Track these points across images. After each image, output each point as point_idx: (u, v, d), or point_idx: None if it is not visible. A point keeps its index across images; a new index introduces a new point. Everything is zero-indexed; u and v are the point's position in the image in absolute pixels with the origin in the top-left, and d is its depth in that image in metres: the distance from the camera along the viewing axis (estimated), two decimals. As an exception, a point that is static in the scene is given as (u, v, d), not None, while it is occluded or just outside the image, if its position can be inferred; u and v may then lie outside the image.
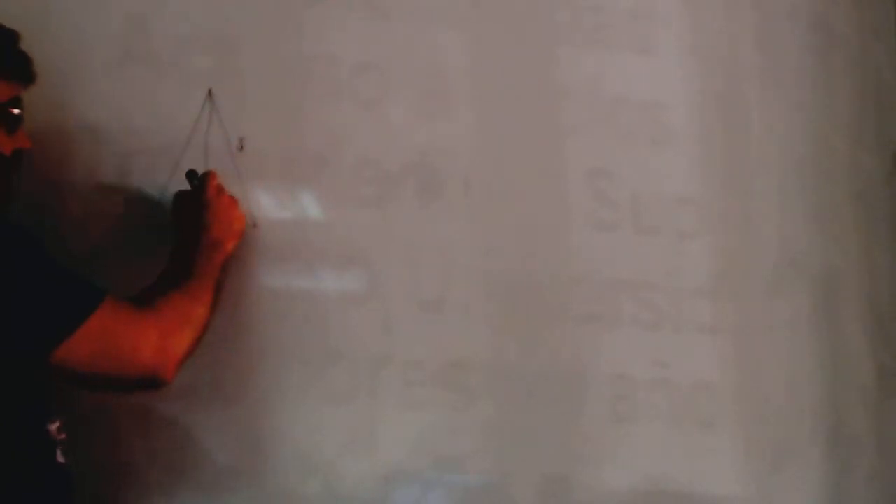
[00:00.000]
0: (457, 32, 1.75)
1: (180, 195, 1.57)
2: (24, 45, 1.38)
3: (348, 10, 1.71)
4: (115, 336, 1.32)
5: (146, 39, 1.62)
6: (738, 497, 1.75)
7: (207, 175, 1.56)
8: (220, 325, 1.52)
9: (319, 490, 1.59)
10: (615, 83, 1.80)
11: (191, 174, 1.56)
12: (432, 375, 1.65)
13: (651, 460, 1.71)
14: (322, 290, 1.62)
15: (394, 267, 1.66)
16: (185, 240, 1.52)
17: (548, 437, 1.68)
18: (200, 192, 1.54)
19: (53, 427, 1.35)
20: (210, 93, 1.63)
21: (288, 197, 1.66)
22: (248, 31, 1.67)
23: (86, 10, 1.49)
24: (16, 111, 1.38)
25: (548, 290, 1.72)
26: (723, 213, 1.82)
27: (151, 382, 1.36)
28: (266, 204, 1.64)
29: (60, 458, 1.35)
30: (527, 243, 1.73)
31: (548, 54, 1.79)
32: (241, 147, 1.64)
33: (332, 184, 1.66)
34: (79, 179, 1.58)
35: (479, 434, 1.67)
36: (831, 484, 1.79)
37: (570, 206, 1.76)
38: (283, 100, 1.66)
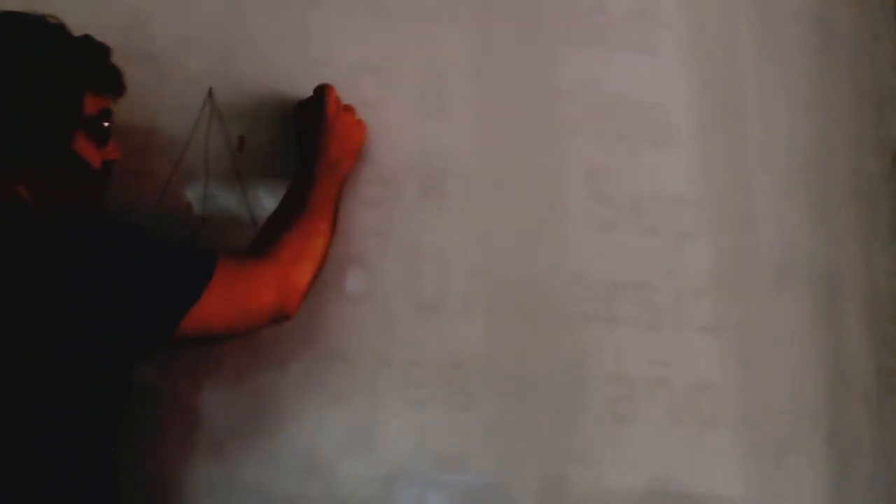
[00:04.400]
0: (457, 32, 1.76)
1: (300, 107, 1.62)
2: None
3: (348, 10, 1.72)
4: (235, 291, 1.36)
5: (146, 39, 1.63)
6: (739, 496, 1.74)
7: (325, 89, 1.60)
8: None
9: (319, 490, 1.59)
10: (615, 83, 1.81)
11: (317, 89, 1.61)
12: (432, 375, 1.65)
13: (651, 460, 1.71)
14: (322, 290, 1.62)
15: (394, 267, 1.66)
16: (305, 156, 1.57)
17: (548, 437, 1.68)
18: (320, 107, 1.59)
19: (117, 451, 1.35)
20: (210, 93, 1.63)
21: (288, 197, 1.65)
22: (248, 31, 1.67)
23: (86, 10, 1.49)
24: (106, 124, 1.40)
25: (548, 290, 1.72)
26: (723, 213, 1.82)
27: (278, 318, 1.43)
28: (266, 204, 1.64)
29: (119, 480, 1.35)
30: (527, 243, 1.73)
31: (548, 54, 1.79)
32: (241, 147, 1.64)
33: (331, 184, 1.66)
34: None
35: (479, 434, 1.66)
36: (831, 483, 1.79)
37: (570, 205, 1.76)
38: (283, 100, 1.66)
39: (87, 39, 1.38)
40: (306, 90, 1.66)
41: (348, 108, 1.63)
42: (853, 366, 1.85)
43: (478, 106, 1.75)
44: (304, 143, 1.58)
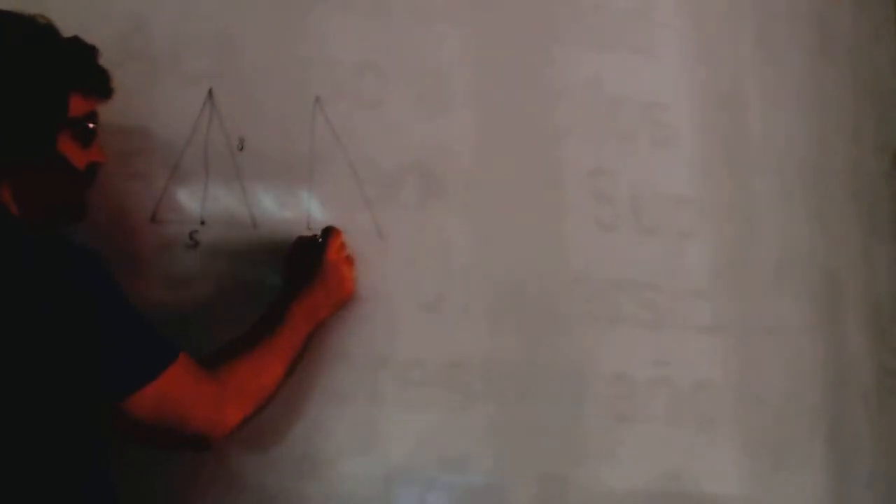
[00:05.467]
0: (456, 32, 1.76)
1: (301, 241, 1.59)
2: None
3: (348, 9, 1.71)
4: (175, 397, 1.31)
5: (146, 39, 1.62)
6: (738, 496, 1.75)
7: (331, 232, 1.57)
8: (220, 326, 1.52)
9: (319, 490, 1.60)
10: (615, 83, 1.81)
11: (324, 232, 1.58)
12: (432, 375, 1.65)
13: (651, 460, 1.71)
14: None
15: (394, 267, 1.66)
16: (288, 290, 1.53)
17: (548, 437, 1.68)
18: (321, 249, 1.56)
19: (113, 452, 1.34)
20: (210, 93, 1.63)
21: (288, 197, 1.66)
22: (248, 31, 1.67)
23: (86, 10, 1.49)
24: (91, 126, 1.39)
25: (548, 290, 1.72)
26: (723, 213, 1.82)
27: (198, 446, 1.38)
28: (266, 204, 1.64)
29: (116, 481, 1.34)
30: (527, 243, 1.73)
31: (548, 54, 1.79)
32: (241, 147, 1.64)
33: (332, 184, 1.66)
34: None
35: (479, 434, 1.67)
36: (831, 484, 1.80)
37: (570, 205, 1.76)
38: (283, 100, 1.66)
39: (74, 40, 1.37)
40: (307, 90, 1.66)
41: (348, 261, 1.60)
42: (853, 366, 1.85)
43: (478, 106, 1.75)
44: (293, 278, 1.55)
